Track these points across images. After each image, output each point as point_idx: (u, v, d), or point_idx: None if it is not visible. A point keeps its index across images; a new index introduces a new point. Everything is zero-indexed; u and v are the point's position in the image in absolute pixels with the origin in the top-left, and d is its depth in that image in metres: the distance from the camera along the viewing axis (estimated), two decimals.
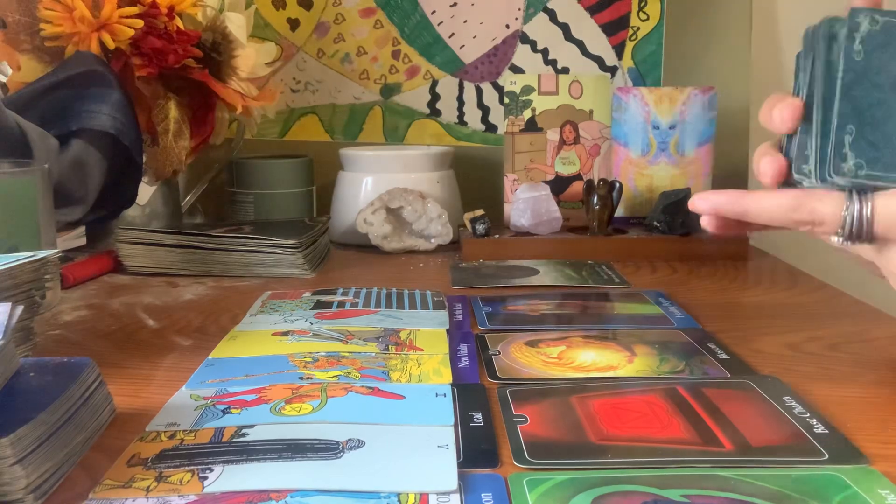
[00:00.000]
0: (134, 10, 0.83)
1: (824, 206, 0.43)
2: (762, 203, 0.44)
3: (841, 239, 0.43)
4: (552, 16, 1.11)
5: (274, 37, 1.13)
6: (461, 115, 1.14)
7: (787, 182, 0.46)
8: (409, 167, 0.99)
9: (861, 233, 0.42)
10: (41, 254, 0.55)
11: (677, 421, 0.44)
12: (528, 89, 0.96)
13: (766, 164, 0.46)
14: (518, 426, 0.44)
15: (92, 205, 0.79)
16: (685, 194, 0.92)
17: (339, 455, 0.40)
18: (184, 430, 0.43)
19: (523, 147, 0.96)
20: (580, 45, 1.12)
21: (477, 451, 0.41)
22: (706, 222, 0.48)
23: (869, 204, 0.42)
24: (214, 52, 0.92)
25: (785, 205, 0.44)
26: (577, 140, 0.97)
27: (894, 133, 0.41)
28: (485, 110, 1.14)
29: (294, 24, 1.14)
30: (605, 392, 0.49)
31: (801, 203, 0.43)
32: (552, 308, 0.69)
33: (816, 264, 0.80)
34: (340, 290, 0.74)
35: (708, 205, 0.46)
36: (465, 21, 1.12)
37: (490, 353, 0.57)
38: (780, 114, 0.45)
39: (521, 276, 0.81)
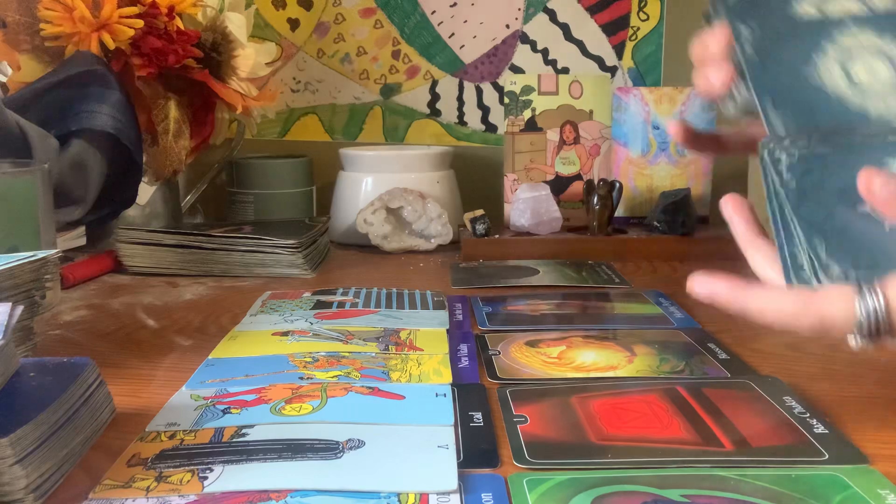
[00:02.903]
0: (134, 10, 0.83)
1: (833, 307, 0.38)
2: (764, 303, 0.40)
3: (859, 339, 0.38)
4: (552, 16, 1.11)
5: (274, 37, 1.13)
6: (461, 115, 1.14)
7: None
8: (409, 167, 0.99)
9: (879, 330, 0.37)
10: (41, 254, 0.54)
11: (677, 421, 0.44)
12: (528, 89, 0.96)
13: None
14: (518, 426, 0.44)
15: (92, 205, 0.79)
16: (685, 194, 0.92)
17: (339, 455, 0.40)
18: (184, 430, 0.43)
19: (523, 147, 0.96)
20: (580, 45, 1.12)
21: (477, 451, 0.41)
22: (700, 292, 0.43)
23: (881, 296, 0.37)
24: (214, 52, 0.92)
25: (789, 308, 0.39)
26: (577, 140, 0.97)
27: (860, 238, 0.39)
28: (485, 110, 1.14)
29: (294, 24, 1.14)
30: (605, 392, 0.49)
31: (807, 307, 0.38)
32: (552, 308, 0.69)
33: None
34: (340, 290, 0.74)
35: (706, 292, 0.42)
36: (465, 21, 1.12)
37: (490, 353, 0.57)
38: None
39: (521, 276, 0.81)
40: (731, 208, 0.45)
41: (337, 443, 0.41)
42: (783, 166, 0.41)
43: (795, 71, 0.41)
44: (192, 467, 0.39)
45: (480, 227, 0.90)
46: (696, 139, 0.49)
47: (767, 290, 0.41)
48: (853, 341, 0.38)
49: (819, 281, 0.39)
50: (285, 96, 1.15)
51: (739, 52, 0.42)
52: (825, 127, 0.40)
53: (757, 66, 0.42)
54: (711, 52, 0.43)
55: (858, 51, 0.40)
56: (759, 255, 0.44)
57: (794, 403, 0.47)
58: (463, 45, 1.13)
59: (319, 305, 0.69)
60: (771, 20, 0.42)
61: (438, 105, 1.14)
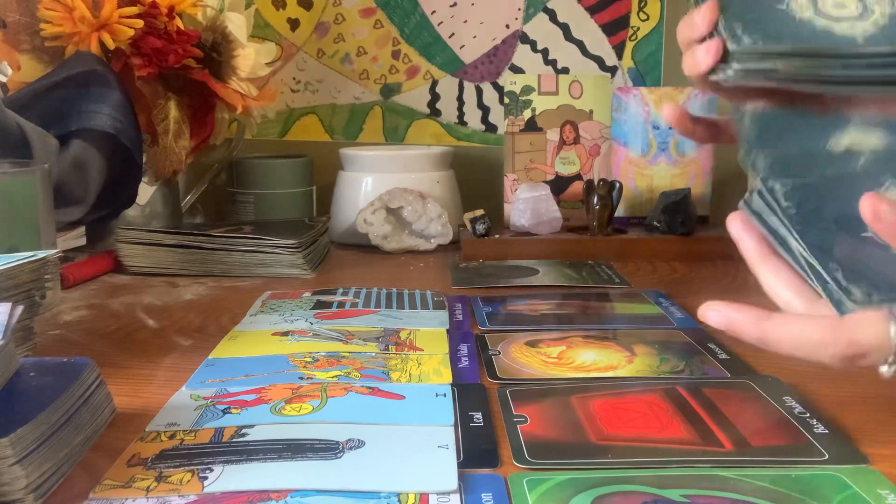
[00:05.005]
0: (134, 10, 0.83)
1: (866, 334, 0.36)
2: (786, 332, 0.38)
3: (894, 367, 0.36)
4: (552, 16, 1.11)
5: (274, 37, 1.13)
6: (461, 115, 1.14)
7: None
8: (409, 167, 0.99)
9: None
10: (41, 254, 0.55)
11: (677, 421, 0.44)
12: (528, 89, 0.96)
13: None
14: (518, 426, 0.44)
15: (92, 205, 0.79)
16: (685, 194, 0.92)
17: (339, 455, 0.40)
18: (184, 430, 0.43)
19: (523, 147, 0.96)
20: (580, 45, 1.12)
21: (477, 451, 0.41)
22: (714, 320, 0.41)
23: None
24: (214, 52, 0.92)
25: (816, 336, 0.36)
26: (577, 140, 0.97)
27: (872, 261, 0.38)
28: (485, 110, 1.14)
29: (294, 24, 1.14)
30: (605, 392, 0.49)
31: (837, 334, 0.36)
32: (552, 308, 0.69)
33: None
34: (340, 290, 0.74)
35: (721, 321, 0.40)
36: (465, 21, 1.12)
37: (490, 353, 0.57)
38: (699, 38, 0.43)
39: (521, 276, 0.81)
40: (740, 226, 0.43)
41: (337, 443, 0.41)
42: (779, 195, 0.41)
43: (767, 6, 0.43)
44: (192, 467, 0.39)
45: (480, 227, 0.90)
46: (692, 125, 0.49)
47: (789, 318, 0.38)
48: (886, 369, 0.36)
49: (845, 301, 0.38)
50: (285, 96, 1.15)
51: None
52: (790, 47, 0.41)
53: (730, 6, 0.43)
54: (700, 29, 0.43)
55: None
56: (773, 275, 0.42)
57: (794, 403, 0.47)
58: (463, 45, 1.13)
59: (319, 305, 0.69)
60: None
61: (438, 105, 1.14)
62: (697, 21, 0.43)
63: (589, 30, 1.11)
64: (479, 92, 1.14)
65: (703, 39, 0.43)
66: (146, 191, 0.94)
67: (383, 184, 0.97)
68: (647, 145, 0.97)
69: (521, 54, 1.12)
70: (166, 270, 0.83)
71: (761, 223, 0.43)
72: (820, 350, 0.37)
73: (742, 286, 0.78)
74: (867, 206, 0.35)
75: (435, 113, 1.15)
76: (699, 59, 0.42)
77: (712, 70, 0.42)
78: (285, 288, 0.77)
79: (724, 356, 0.55)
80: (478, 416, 0.45)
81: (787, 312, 0.40)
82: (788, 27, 0.42)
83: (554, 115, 0.96)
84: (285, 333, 0.60)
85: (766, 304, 0.42)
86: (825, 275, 0.39)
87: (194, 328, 0.64)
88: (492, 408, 0.47)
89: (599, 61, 1.12)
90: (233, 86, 0.93)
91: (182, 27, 0.87)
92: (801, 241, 0.40)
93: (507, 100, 0.96)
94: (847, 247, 0.38)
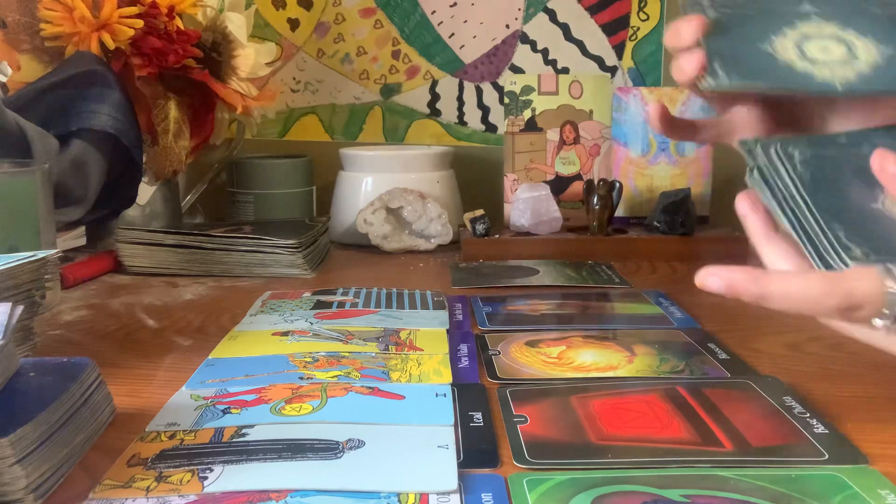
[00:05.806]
0: (134, 10, 0.83)
1: (862, 285, 0.37)
2: (787, 287, 0.38)
3: (887, 322, 0.37)
4: (552, 16, 1.11)
5: (274, 37, 1.13)
6: (461, 115, 1.14)
7: None
8: (409, 167, 0.99)
9: None
10: (41, 254, 0.55)
11: (677, 421, 0.44)
12: (528, 89, 0.96)
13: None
14: (518, 426, 0.44)
15: (92, 205, 0.79)
16: (685, 194, 0.92)
17: (339, 455, 0.40)
18: (184, 430, 0.43)
19: (523, 147, 0.96)
20: (580, 45, 1.12)
21: (477, 451, 0.41)
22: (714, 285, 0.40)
23: None
24: (214, 52, 0.92)
25: (815, 288, 0.38)
26: (577, 140, 0.97)
27: (876, 228, 0.40)
28: (485, 110, 1.14)
29: (294, 24, 1.14)
30: (605, 392, 0.49)
31: (835, 285, 0.37)
32: (552, 308, 0.69)
33: None
34: (340, 290, 0.74)
35: (721, 283, 0.39)
36: (465, 21, 1.12)
37: (490, 353, 0.57)
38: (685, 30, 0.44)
39: (521, 276, 0.81)
40: (747, 206, 0.44)
41: (337, 443, 0.41)
42: (796, 161, 0.42)
43: (751, 44, 0.44)
44: (192, 467, 0.39)
45: (480, 227, 0.90)
46: (672, 124, 0.50)
47: (789, 274, 0.40)
48: (879, 322, 0.37)
49: (843, 262, 0.39)
50: (285, 96, 1.15)
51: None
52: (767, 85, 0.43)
53: (716, 35, 0.44)
54: (684, 40, 0.44)
55: (817, 36, 0.44)
56: (775, 251, 0.43)
57: (794, 403, 0.47)
58: (463, 45, 1.13)
59: (319, 305, 0.69)
60: (742, 7, 0.45)
61: (438, 105, 1.14)
62: (682, 31, 0.45)
63: (589, 30, 1.11)
64: (479, 92, 1.14)
65: (688, 48, 0.44)
66: (146, 191, 0.94)
67: (383, 184, 0.97)
68: (647, 145, 0.98)
69: (521, 54, 1.12)
70: (166, 270, 0.83)
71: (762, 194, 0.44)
72: (819, 302, 0.38)
73: None
74: (876, 158, 0.39)
75: (435, 113, 1.15)
76: (683, 67, 0.44)
77: (697, 77, 0.44)
78: (285, 288, 0.77)
79: (724, 356, 0.56)
80: (478, 416, 0.45)
81: (786, 272, 0.41)
82: (769, 67, 0.43)
83: (554, 115, 0.96)
84: (285, 333, 0.60)
85: None
86: (823, 236, 0.39)
87: (194, 328, 0.65)
88: (492, 408, 0.47)
89: (599, 61, 1.12)
90: (233, 86, 0.93)
91: (182, 27, 0.87)
92: (808, 203, 0.41)
93: (507, 100, 0.96)
94: (855, 212, 0.40)
